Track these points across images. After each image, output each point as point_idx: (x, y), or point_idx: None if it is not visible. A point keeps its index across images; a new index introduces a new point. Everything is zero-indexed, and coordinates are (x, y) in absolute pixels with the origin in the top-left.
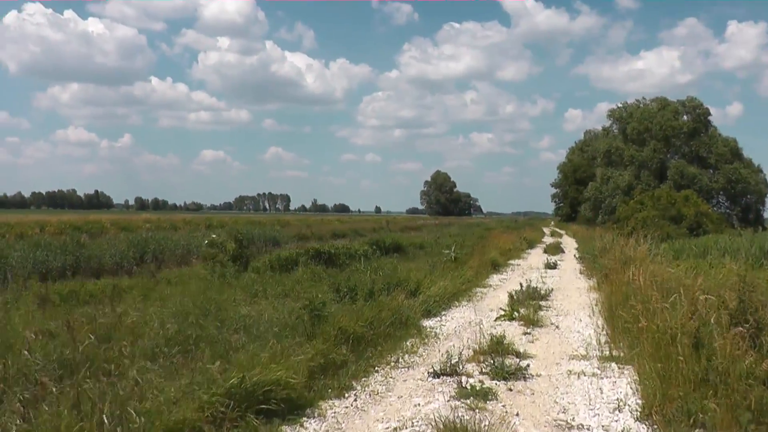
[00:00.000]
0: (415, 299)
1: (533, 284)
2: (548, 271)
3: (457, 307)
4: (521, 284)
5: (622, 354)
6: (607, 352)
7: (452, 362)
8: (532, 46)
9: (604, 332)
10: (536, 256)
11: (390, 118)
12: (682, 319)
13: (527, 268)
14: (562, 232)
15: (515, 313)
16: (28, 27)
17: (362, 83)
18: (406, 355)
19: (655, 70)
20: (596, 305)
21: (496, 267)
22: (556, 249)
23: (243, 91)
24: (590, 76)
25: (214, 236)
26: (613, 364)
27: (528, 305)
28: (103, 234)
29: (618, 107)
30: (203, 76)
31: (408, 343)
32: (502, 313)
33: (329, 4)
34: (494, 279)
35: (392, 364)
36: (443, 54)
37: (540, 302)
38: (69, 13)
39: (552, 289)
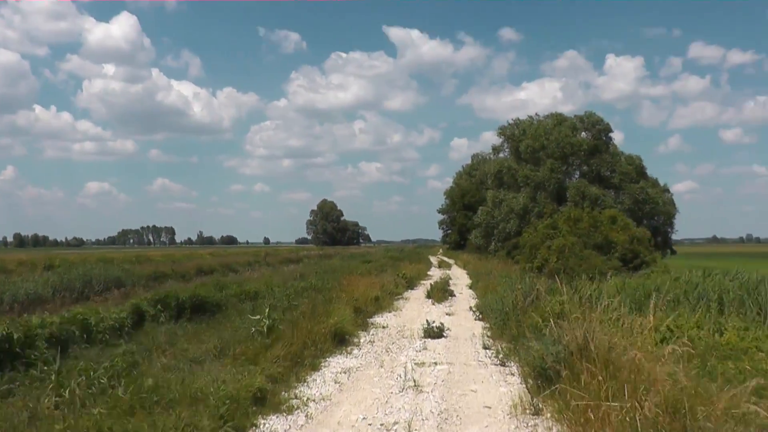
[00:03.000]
0: None
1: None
2: (429, 344)
3: None
4: None
5: None
6: None
7: None
8: (418, 76)
9: None
10: (415, 305)
11: (278, 147)
12: None
13: (396, 337)
14: (451, 261)
15: None
16: None
17: (250, 112)
18: None
19: (538, 101)
20: None
21: (343, 339)
22: (443, 292)
23: (129, 120)
24: (474, 106)
25: None
26: None
27: None
28: None
29: (509, 124)
30: (88, 104)
31: None
32: None
33: (216, 32)
34: (324, 377)
35: None
36: (331, 83)
37: None
38: None
39: None
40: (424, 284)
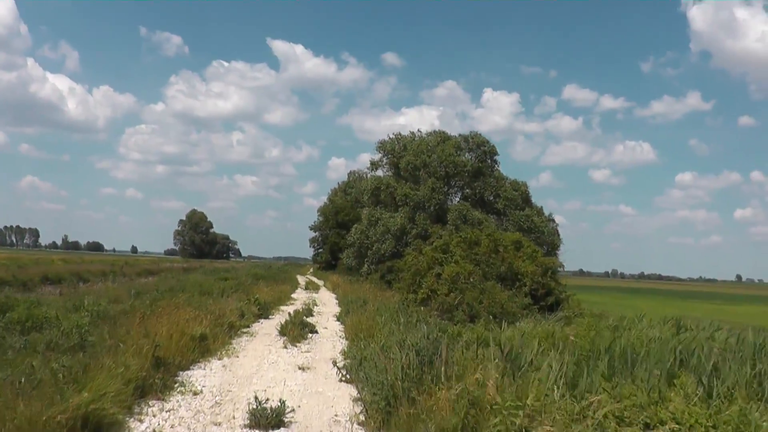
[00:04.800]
0: None
1: None
2: None
3: None
4: None
5: None
6: None
7: None
8: (300, 92)
9: None
10: (261, 347)
11: (153, 153)
12: None
13: (204, 422)
14: (321, 283)
15: None
16: None
17: (126, 113)
18: None
19: (416, 126)
20: None
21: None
22: (302, 327)
23: (0, 109)
24: (354, 127)
25: None
26: None
27: None
28: None
29: (390, 138)
30: None
31: None
32: None
33: (96, 26)
34: None
35: None
36: (211, 91)
37: None
38: None
39: None
40: (283, 311)
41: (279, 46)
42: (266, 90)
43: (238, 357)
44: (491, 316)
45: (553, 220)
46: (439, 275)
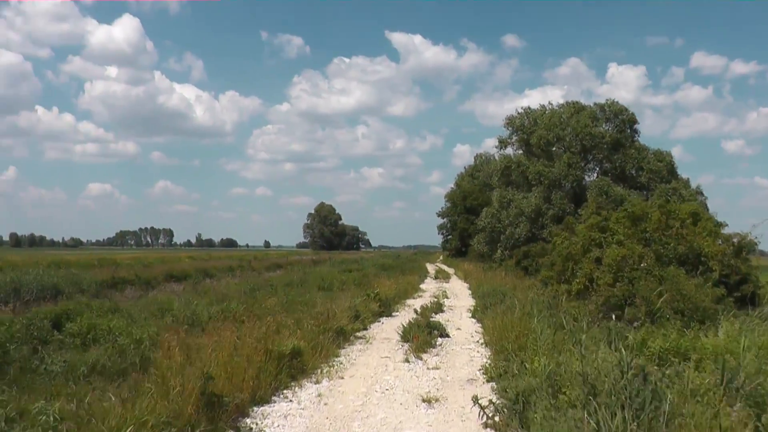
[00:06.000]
0: None
1: None
2: None
3: None
4: None
5: None
6: None
7: None
8: (421, 82)
9: None
10: (375, 361)
11: (281, 151)
12: None
13: None
14: (451, 271)
15: None
16: None
17: (252, 116)
18: None
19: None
20: None
21: None
22: (429, 331)
23: (131, 122)
24: (477, 113)
25: None
26: None
27: None
28: None
29: (519, 113)
30: (90, 106)
31: None
32: None
33: (218, 35)
34: None
35: None
36: (334, 88)
37: None
38: None
39: None
40: (409, 307)
41: (397, 38)
42: (387, 82)
43: (342, 378)
44: (679, 314)
45: (702, 193)
46: (598, 260)
